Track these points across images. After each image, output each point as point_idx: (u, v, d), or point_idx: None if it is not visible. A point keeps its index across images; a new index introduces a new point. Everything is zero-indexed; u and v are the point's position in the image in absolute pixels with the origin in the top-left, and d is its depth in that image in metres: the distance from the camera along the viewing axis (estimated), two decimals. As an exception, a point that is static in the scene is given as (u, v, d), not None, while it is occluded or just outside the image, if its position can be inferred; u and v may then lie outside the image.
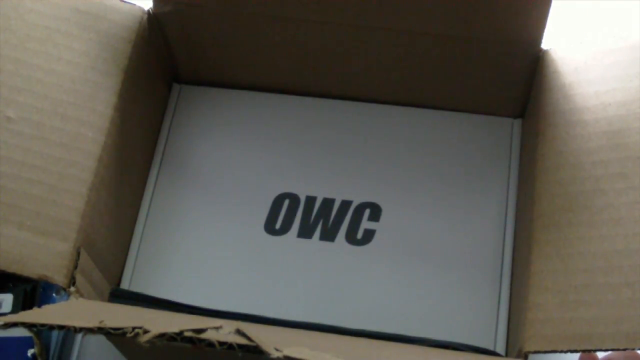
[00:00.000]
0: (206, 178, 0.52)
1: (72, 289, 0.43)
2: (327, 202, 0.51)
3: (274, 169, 0.53)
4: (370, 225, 0.51)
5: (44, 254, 0.43)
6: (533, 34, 0.46)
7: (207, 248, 0.51)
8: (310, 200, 0.52)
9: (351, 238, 0.50)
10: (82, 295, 0.43)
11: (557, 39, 0.47)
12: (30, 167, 0.44)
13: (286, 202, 0.52)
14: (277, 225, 0.51)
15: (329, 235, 0.51)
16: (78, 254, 0.43)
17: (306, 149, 0.53)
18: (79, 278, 0.43)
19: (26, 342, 0.52)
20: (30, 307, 0.53)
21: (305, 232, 0.51)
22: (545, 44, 0.47)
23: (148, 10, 0.50)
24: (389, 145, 0.53)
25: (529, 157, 0.47)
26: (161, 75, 0.55)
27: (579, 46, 0.46)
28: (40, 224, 0.43)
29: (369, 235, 0.50)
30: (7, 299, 0.54)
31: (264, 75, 0.54)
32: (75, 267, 0.43)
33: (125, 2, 0.49)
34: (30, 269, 0.42)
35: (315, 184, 0.52)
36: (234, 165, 0.53)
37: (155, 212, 0.53)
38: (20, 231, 0.43)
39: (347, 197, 0.51)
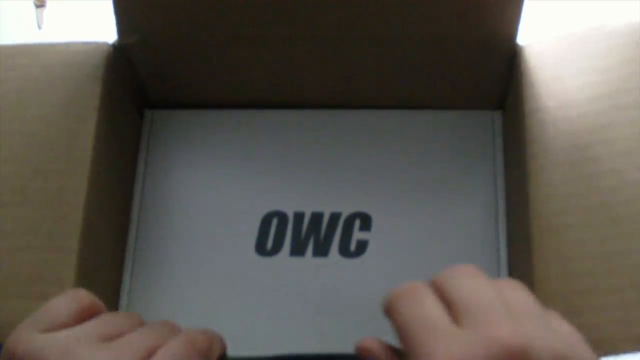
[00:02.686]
0: (190, 205, 0.50)
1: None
2: (316, 217, 0.50)
3: (258, 188, 0.51)
4: (363, 235, 0.49)
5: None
6: (508, 30, 0.44)
7: (199, 276, 0.49)
8: (299, 216, 0.50)
9: (344, 251, 0.49)
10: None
11: (533, 34, 0.46)
12: (20, 235, 0.43)
13: (275, 221, 0.50)
14: (268, 246, 0.49)
15: (321, 250, 0.49)
16: None
17: (288, 163, 0.51)
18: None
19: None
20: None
21: (298, 250, 0.49)
22: (521, 39, 0.45)
23: (113, 44, 0.48)
24: (370, 151, 0.51)
25: (518, 156, 0.45)
26: (133, 104, 0.52)
27: (557, 39, 0.44)
28: (36, 288, 0.42)
29: (362, 246, 0.49)
30: None
31: (239, 92, 0.52)
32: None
33: (89, 43, 0.47)
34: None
35: (301, 199, 0.50)
36: (217, 188, 0.51)
37: (142, 246, 0.51)
38: (19, 301, 0.41)
39: (336, 209, 0.50)
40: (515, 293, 0.31)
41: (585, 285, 0.38)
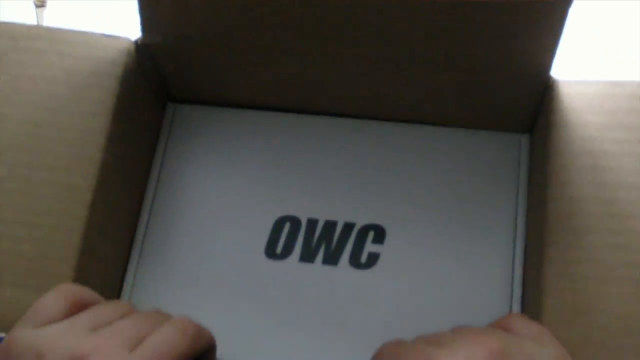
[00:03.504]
0: (203, 201, 0.49)
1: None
2: (329, 225, 0.49)
3: (274, 191, 0.50)
4: (375, 248, 0.48)
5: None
6: (542, 63, 0.44)
7: (205, 275, 0.48)
8: (312, 223, 0.49)
9: (355, 261, 0.48)
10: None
11: (567, 67, 0.46)
12: (21, 224, 0.42)
13: (287, 226, 0.49)
14: (278, 250, 0.49)
15: (332, 259, 0.48)
16: None
17: (307, 169, 0.51)
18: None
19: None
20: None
21: (307, 256, 0.49)
22: (556, 74, 0.45)
23: (136, 41, 0.47)
24: (392, 164, 0.50)
25: (541, 180, 0.46)
26: (153, 101, 0.52)
27: (590, 80, 0.45)
28: (34, 280, 0.41)
29: (373, 258, 0.48)
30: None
31: (263, 93, 0.52)
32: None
33: (110, 36, 0.46)
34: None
35: (316, 206, 0.50)
36: (233, 187, 0.50)
37: (150, 242, 0.50)
38: (14, 290, 0.41)
39: (350, 219, 0.49)
40: None
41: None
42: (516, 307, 0.46)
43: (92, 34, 0.46)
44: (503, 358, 0.31)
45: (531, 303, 0.44)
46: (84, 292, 0.36)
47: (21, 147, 0.43)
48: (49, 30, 0.46)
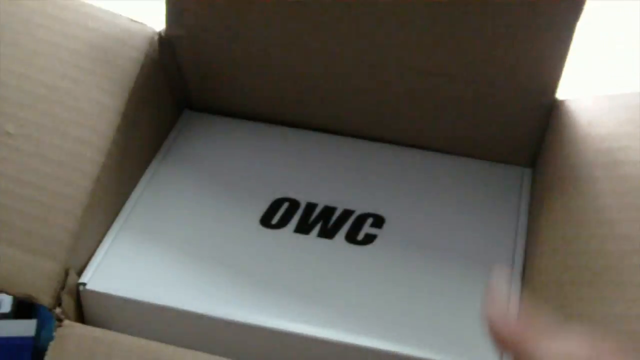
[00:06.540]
0: (202, 182, 0.50)
1: (58, 310, 0.41)
2: (328, 209, 0.48)
3: (274, 177, 0.51)
4: (373, 230, 0.47)
5: (31, 273, 0.40)
6: (548, 84, 0.45)
7: (199, 242, 0.47)
8: (311, 205, 0.49)
9: (351, 239, 0.47)
10: (67, 316, 0.42)
11: (572, 89, 0.46)
12: (26, 184, 0.42)
13: (285, 204, 0.48)
14: (274, 221, 0.48)
15: (327, 234, 0.47)
16: (66, 274, 0.41)
17: (305, 179, 0.51)
18: (65, 299, 0.41)
19: (27, 343, 0.51)
20: (28, 308, 0.53)
21: (303, 229, 0.47)
22: (560, 94, 0.45)
23: (159, 32, 0.49)
24: (394, 187, 0.50)
25: (537, 209, 0.44)
26: (170, 98, 0.53)
27: (594, 99, 0.44)
28: (30, 242, 0.41)
29: (370, 238, 0.47)
30: (7, 299, 0.54)
31: (271, 107, 0.53)
32: (62, 287, 0.41)
33: (136, 22, 0.48)
34: (16, 288, 0.40)
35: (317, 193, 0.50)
36: (231, 174, 0.51)
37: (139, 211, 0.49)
38: (9, 249, 0.41)
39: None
40: None
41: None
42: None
43: (120, 16, 0.48)
44: None
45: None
46: None
47: (34, 108, 0.44)
48: (79, 3, 0.48)
